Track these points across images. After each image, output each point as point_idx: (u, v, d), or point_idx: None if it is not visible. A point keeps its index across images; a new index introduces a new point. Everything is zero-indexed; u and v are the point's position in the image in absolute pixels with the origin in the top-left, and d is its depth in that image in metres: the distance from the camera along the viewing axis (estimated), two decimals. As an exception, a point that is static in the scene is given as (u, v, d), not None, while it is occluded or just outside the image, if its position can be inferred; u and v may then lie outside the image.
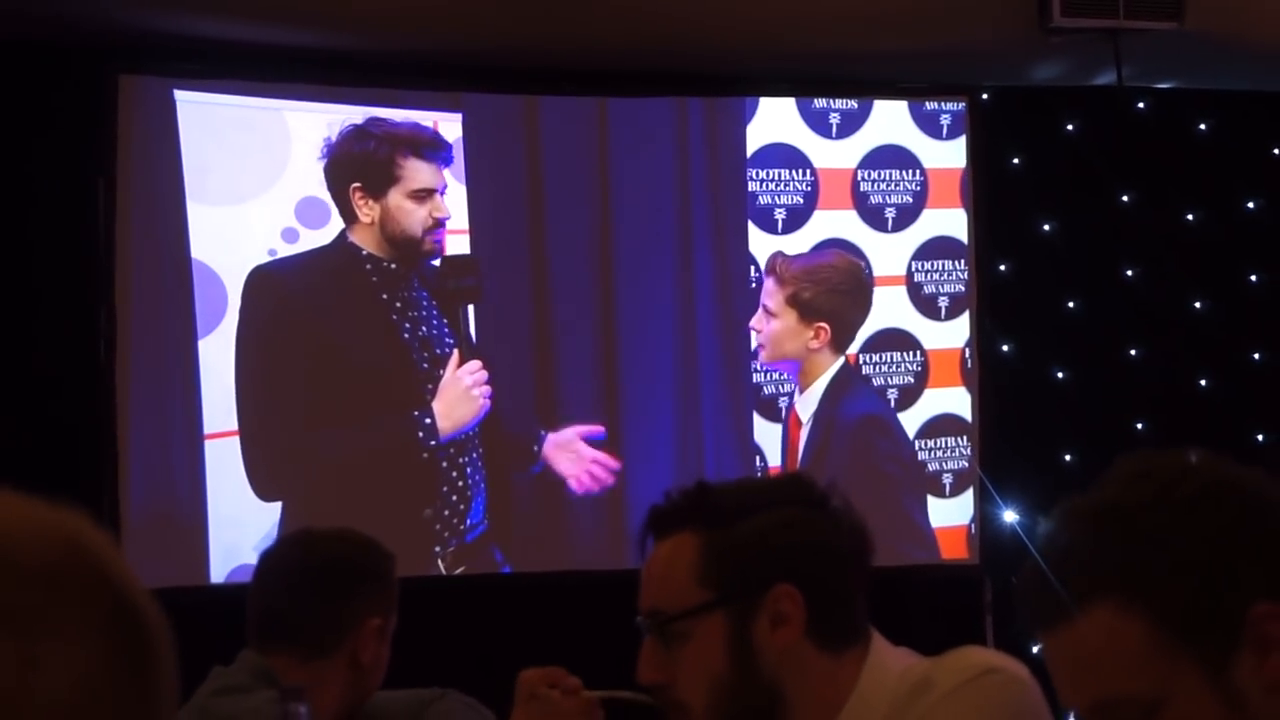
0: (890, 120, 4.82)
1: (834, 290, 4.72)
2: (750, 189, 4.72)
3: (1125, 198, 5.08)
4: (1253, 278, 5.21)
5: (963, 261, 4.84)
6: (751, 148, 4.72)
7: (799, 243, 4.74)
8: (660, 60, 4.61)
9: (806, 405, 4.70)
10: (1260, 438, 5.05)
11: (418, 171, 4.37)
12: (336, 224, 4.36)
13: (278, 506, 4.27)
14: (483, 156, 4.51)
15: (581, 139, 4.63)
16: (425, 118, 4.46)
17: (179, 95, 4.27)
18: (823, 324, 4.69)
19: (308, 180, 4.35)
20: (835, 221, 4.77)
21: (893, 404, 4.79)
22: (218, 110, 4.32)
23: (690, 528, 1.69)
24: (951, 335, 4.84)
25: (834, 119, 4.78)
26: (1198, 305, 5.13)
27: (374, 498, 4.26)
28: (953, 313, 4.84)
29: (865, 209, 4.80)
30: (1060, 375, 5.02)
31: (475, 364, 4.40)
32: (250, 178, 4.33)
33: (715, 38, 4.45)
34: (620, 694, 1.77)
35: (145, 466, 4.19)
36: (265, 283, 4.29)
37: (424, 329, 4.42)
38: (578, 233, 4.61)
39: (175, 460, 4.24)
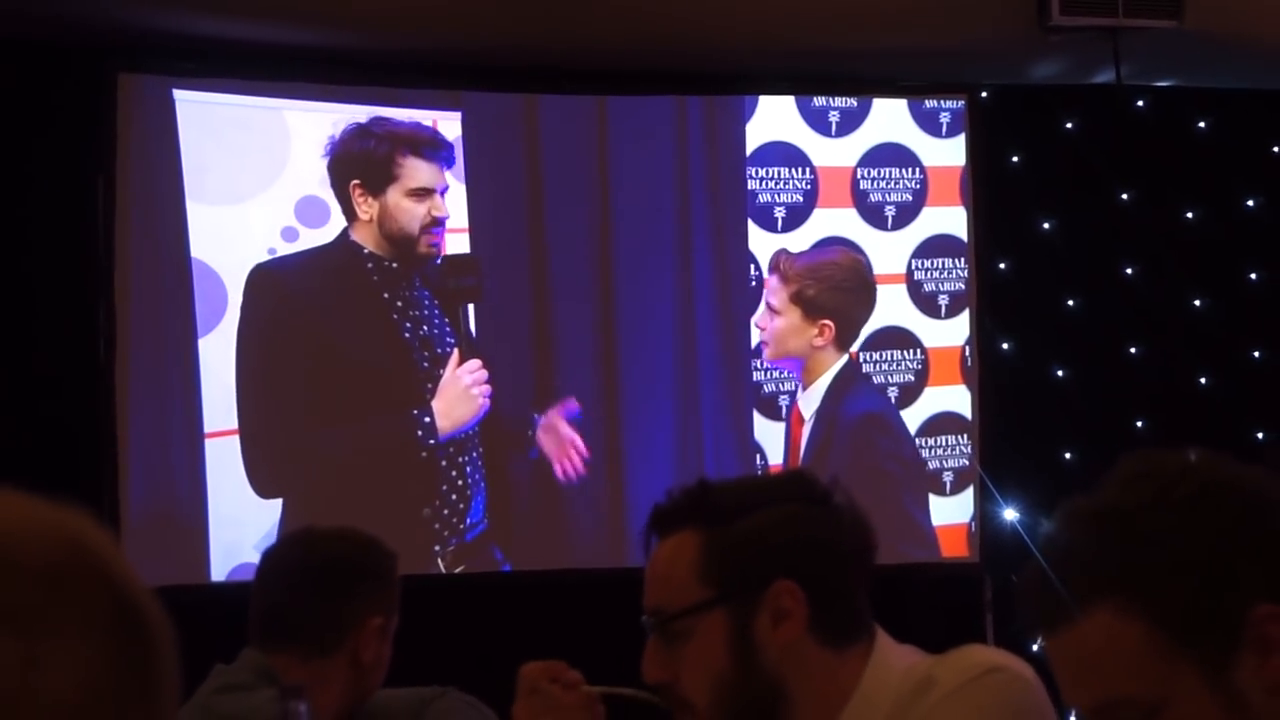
0: (890, 118, 4.82)
1: (838, 288, 4.72)
2: (750, 187, 4.72)
3: (1124, 196, 5.08)
4: (1252, 276, 5.21)
5: (962, 259, 4.85)
6: (751, 146, 4.72)
7: (799, 241, 4.74)
8: (659, 59, 4.61)
9: (809, 402, 4.70)
10: (1260, 436, 5.06)
11: (417, 170, 4.37)
12: (336, 223, 4.37)
13: (278, 505, 4.27)
14: (482, 155, 4.51)
15: (581, 137, 4.63)
16: (425, 116, 4.46)
17: (178, 94, 4.27)
18: (827, 321, 4.69)
19: (307, 179, 4.35)
20: (835, 220, 4.77)
21: (893, 402, 4.79)
22: (217, 109, 4.32)
23: (691, 526, 1.69)
24: (951, 333, 4.84)
25: (833, 117, 4.78)
26: (1197, 303, 5.13)
27: (373, 496, 4.26)
28: (953, 311, 4.84)
29: (865, 207, 4.80)
30: (1060, 373, 5.02)
31: (475, 363, 4.40)
32: (250, 177, 4.33)
33: (715, 36, 4.45)
34: (622, 691, 1.78)
35: (145, 465, 4.20)
36: (266, 280, 4.29)
37: (424, 328, 4.42)
38: (577, 231, 4.61)
39: (175, 459, 4.24)
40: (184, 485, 4.23)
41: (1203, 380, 5.11)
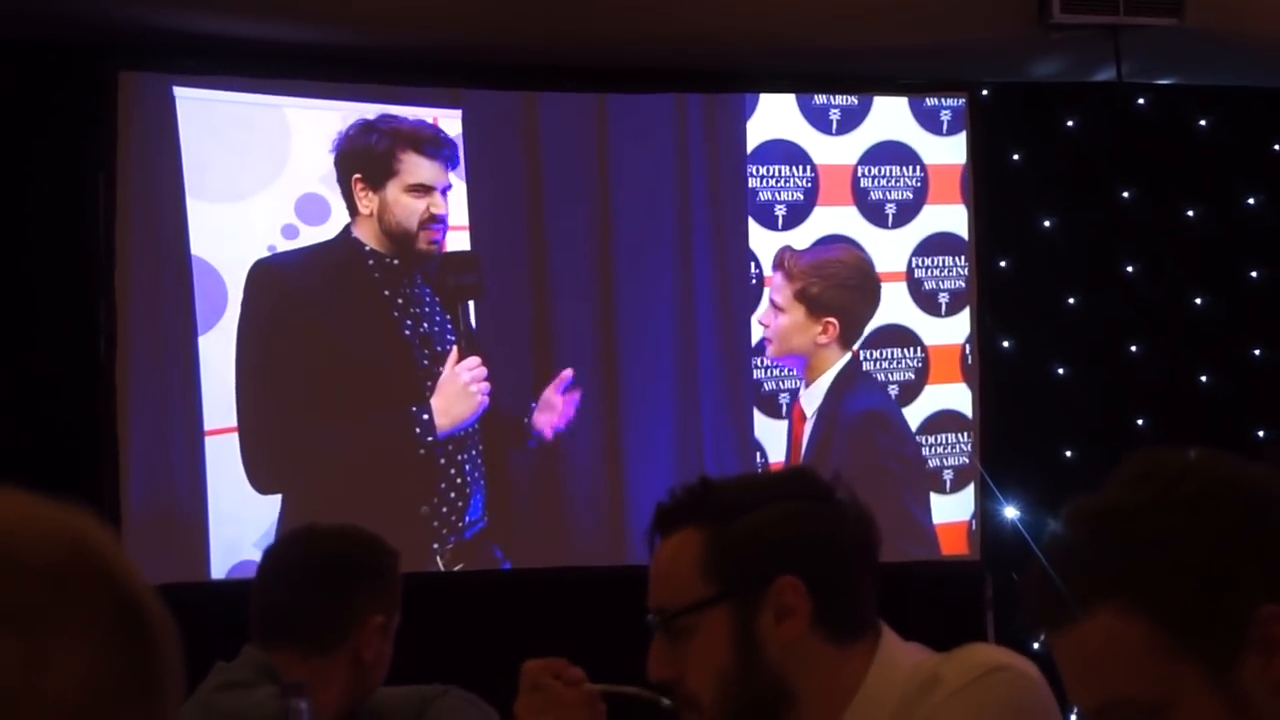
0: (890, 116, 4.82)
1: (842, 285, 4.72)
2: (750, 185, 4.72)
3: (1125, 194, 5.08)
4: (1253, 274, 5.21)
5: (963, 258, 4.84)
6: (751, 144, 4.72)
7: (799, 239, 4.74)
8: (660, 57, 4.61)
9: (811, 400, 4.70)
10: (1261, 434, 5.05)
11: (417, 167, 4.37)
12: (336, 221, 4.37)
13: (278, 503, 4.27)
14: (483, 153, 4.51)
15: (581, 135, 4.63)
16: (425, 114, 4.46)
17: (178, 92, 4.27)
18: (831, 319, 4.69)
19: (308, 177, 4.35)
20: (835, 218, 4.77)
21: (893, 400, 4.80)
22: (217, 107, 4.32)
23: (694, 524, 1.69)
24: (952, 331, 4.84)
25: (834, 115, 4.78)
26: (1198, 301, 5.13)
27: (371, 493, 4.26)
28: (953, 309, 4.84)
29: (865, 205, 4.80)
30: (1060, 371, 5.02)
31: (474, 360, 4.40)
32: (250, 174, 4.33)
33: (715, 34, 4.45)
34: (624, 689, 1.78)
35: (145, 463, 4.20)
36: (267, 276, 4.29)
37: (424, 325, 4.42)
38: (577, 229, 4.61)
39: (175, 457, 4.24)
40: (184, 483, 4.23)
41: (1203, 379, 5.11)
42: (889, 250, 4.80)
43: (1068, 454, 4.94)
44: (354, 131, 4.36)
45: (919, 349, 4.81)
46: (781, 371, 4.72)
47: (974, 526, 4.81)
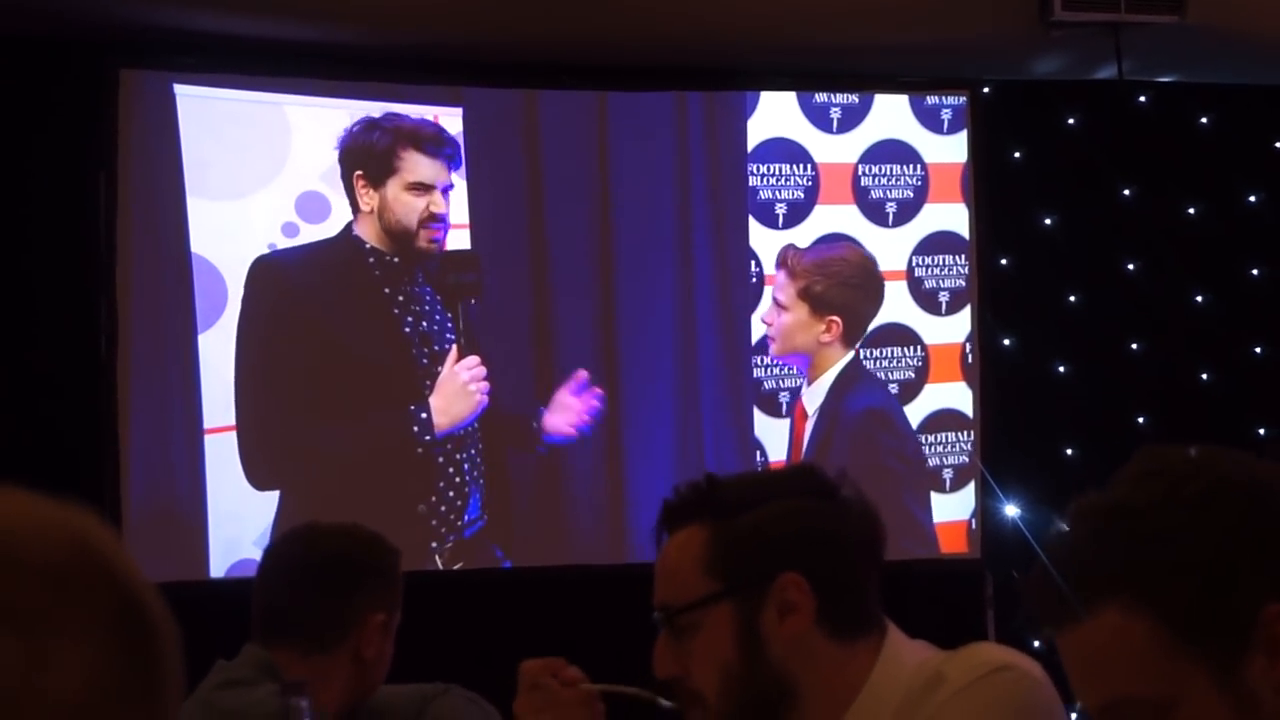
0: (891, 115, 4.82)
1: (845, 283, 4.72)
2: (751, 184, 4.71)
3: (1126, 192, 5.08)
4: (1254, 272, 5.20)
5: (963, 256, 4.84)
6: (752, 142, 4.72)
7: (800, 238, 4.73)
8: (660, 54, 4.60)
9: (813, 398, 4.70)
10: (1261, 432, 5.05)
11: (417, 165, 4.37)
12: (337, 218, 4.37)
13: (277, 502, 4.27)
14: (483, 151, 4.51)
15: (582, 134, 4.62)
16: (426, 112, 4.46)
17: (179, 89, 4.27)
18: (834, 317, 4.69)
19: (308, 174, 4.35)
20: (836, 216, 4.77)
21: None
22: (218, 104, 4.32)
23: (698, 520, 1.70)
24: (952, 330, 4.84)
25: (835, 113, 4.78)
26: (1199, 299, 5.13)
27: (369, 491, 4.25)
28: (953, 308, 4.84)
29: (866, 204, 4.80)
30: (1061, 369, 5.02)
31: (473, 359, 4.40)
32: (250, 172, 4.32)
33: (715, 32, 4.44)
34: (623, 689, 1.78)
35: (145, 462, 4.19)
36: (268, 273, 4.29)
37: (424, 324, 4.42)
38: (578, 228, 4.61)
39: (175, 455, 4.24)
40: (184, 481, 4.23)
41: (1204, 376, 5.11)
42: (889, 249, 4.80)
43: (1068, 452, 4.94)
44: (358, 128, 4.36)
45: (919, 348, 4.81)
46: (782, 370, 4.72)
47: (973, 525, 4.81)
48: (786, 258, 4.69)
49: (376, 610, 2.23)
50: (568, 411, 4.53)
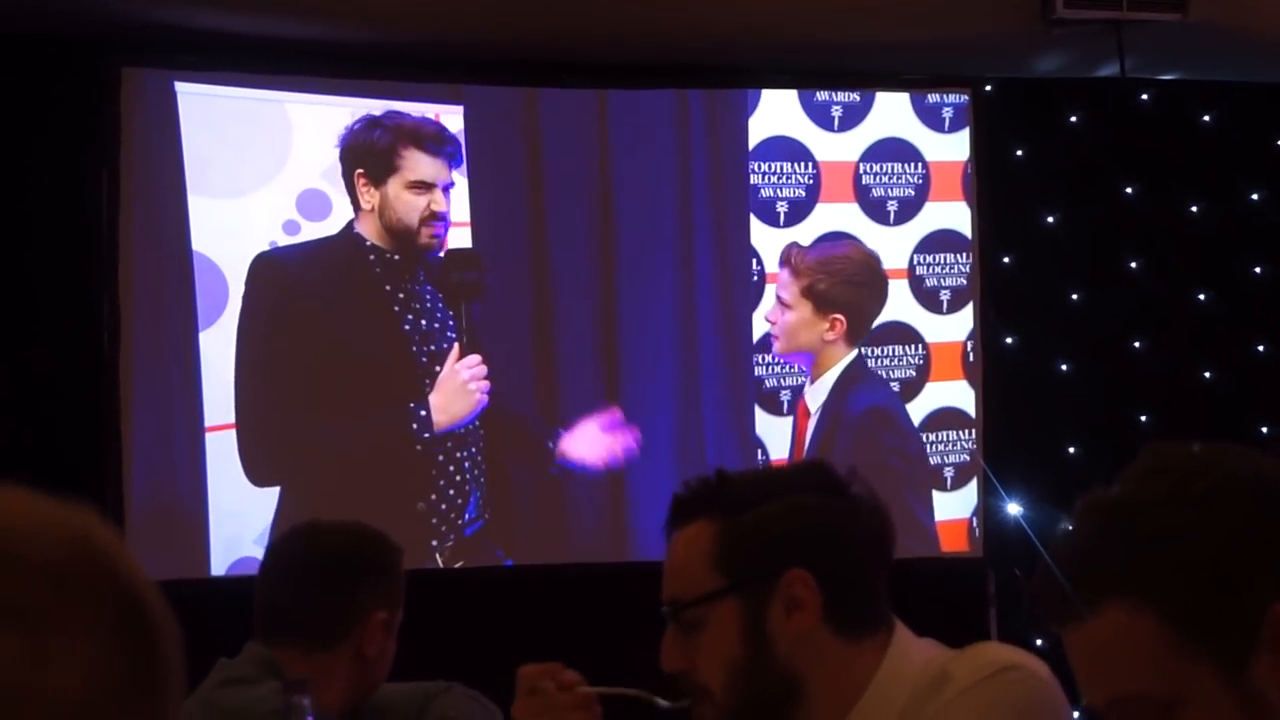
0: (892, 113, 4.82)
1: (849, 282, 4.72)
2: (752, 182, 4.71)
3: (1128, 190, 5.07)
4: (1256, 270, 5.20)
5: (964, 255, 4.84)
6: (753, 141, 4.71)
7: (801, 236, 4.73)
8: (661, 52, 4.60)
9: (816, 396, 4.70)
10: (1264, 430, 5.05)
11: (418, 163, 4.37)
12: (337, 216, 4.37)
13: (277, 500, 4.27)
14: (484, 150, 4.51)
15: (583, 132, 4.62)
16: (427, 110, 4.45)
17: (180, 87, 4.27)
18: (838, 315, 4.69)
19: (309, 172, 4.35)
20: (837, 215, 4.77)
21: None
22: (219, 102, 4.32)
23: (707, 516, 1.70)
24: (953, 328, 4.83)
25: (836, 112, 4.78)
26: (1201, 297, 5.13)
27: (367, 489, 4.25)
28: (954, 306, 4.84)
29: (867, 202, 4.79)
30: (1063, 367, 5.02)
31: (474, 358, 4.40)
32: (251, 170, 4.32)
33: (717, 30, 4.44)
34: (621, 691, 1.78)
35: (147, 460, 4.19)
36: (269, 270, 4.29)
37: (425, 322, 4.41)
38: (579, 226, 4.60)
39: (176, 453, 4.24)
40: (184, 480, 4.23)
41: (1206, 374, 5.10)
42: (890, 247, 4.80)
43: (1070, 450, 4.94)
44: (359, 126, 4.36)
45: (920, 346, 4.81)
46: (783, 368, 4.71)
47: (974, 523, 4.81)
48: (790, 256, 4.69)
49: (379, 608, 2.23)
50: (598, 446, 4.52)
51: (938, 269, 4.83)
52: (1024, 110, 5.04)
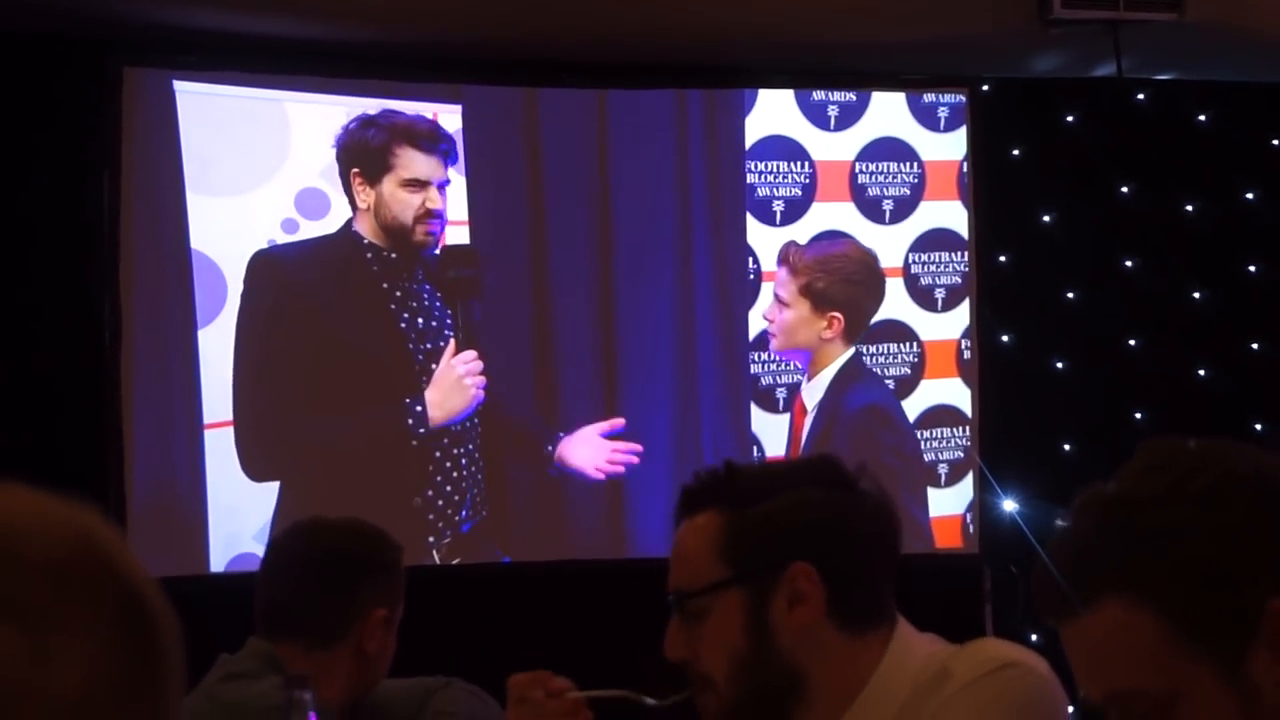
0: (888, 113, 4.82)
1: (847, 280, 4.73)
2: (749, 181, 4.72)
3: (1125, 189, 5.08)
4: (1251, 268, 5.21)
5: (959, 253, 4.85)
6: (750, 140, 4.72)
7: (797, 235, 4.74)
8: (660, 52, 4.61)
9: (813, 394, 4.71)
10: (1259, 428, 5.06)
11: (412, 161, 4.37)
12: (336, 215, 4.37)
13: (277, 496, 4.28)
14: (483, 149, 4.51)
15: (581, 131, 4.63)
16: (425, 109, 4.46)
17: (179, 86, 4.27)
18: (836, 314, 4.69)
19: (308, 171, 4.35)
20: (833, 213, 4.77)
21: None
22: (218, 101, 4.33)
23: (714, 507, 1.71)
24: (948, 327, 4.84)
25: (832, 111, 4.78)
26: (1197, 296, 5.13)
27: (364, 484, 4.26)
28: (949, 304, 4.85)
29: (863, 201, 4.80)
30: (1059, 366, 5.03)
31: (470, 354, 4.40)
32: (251, 169, 4.33)
33: (715, 30, 4.45)
34: (610, 693, 1.80)
35: (146, 457, 4.20)
36: (267, 267, 4.30)
37: (422, 319, 4.42)
38: (577, 225, 4.61)
39: (176, 450, 4.25)
40: (184, 477, 4.24)
41: (1202, 373, 5.11)
42: (886, 246, 4.80)
43: (1066, 448, 4.95)
44: (353, 126, 4.37)
45: (915, 344, 4.82)
46: (779, 365, 4.72)
47: (968, 520, 4.82)
48: (788, 254, 4.69)
49: (379, 605, 2.24)
50: (596, 453, 4.52)
51: (932, 268, 4.84)
52: (1020, 110, 5.04)
